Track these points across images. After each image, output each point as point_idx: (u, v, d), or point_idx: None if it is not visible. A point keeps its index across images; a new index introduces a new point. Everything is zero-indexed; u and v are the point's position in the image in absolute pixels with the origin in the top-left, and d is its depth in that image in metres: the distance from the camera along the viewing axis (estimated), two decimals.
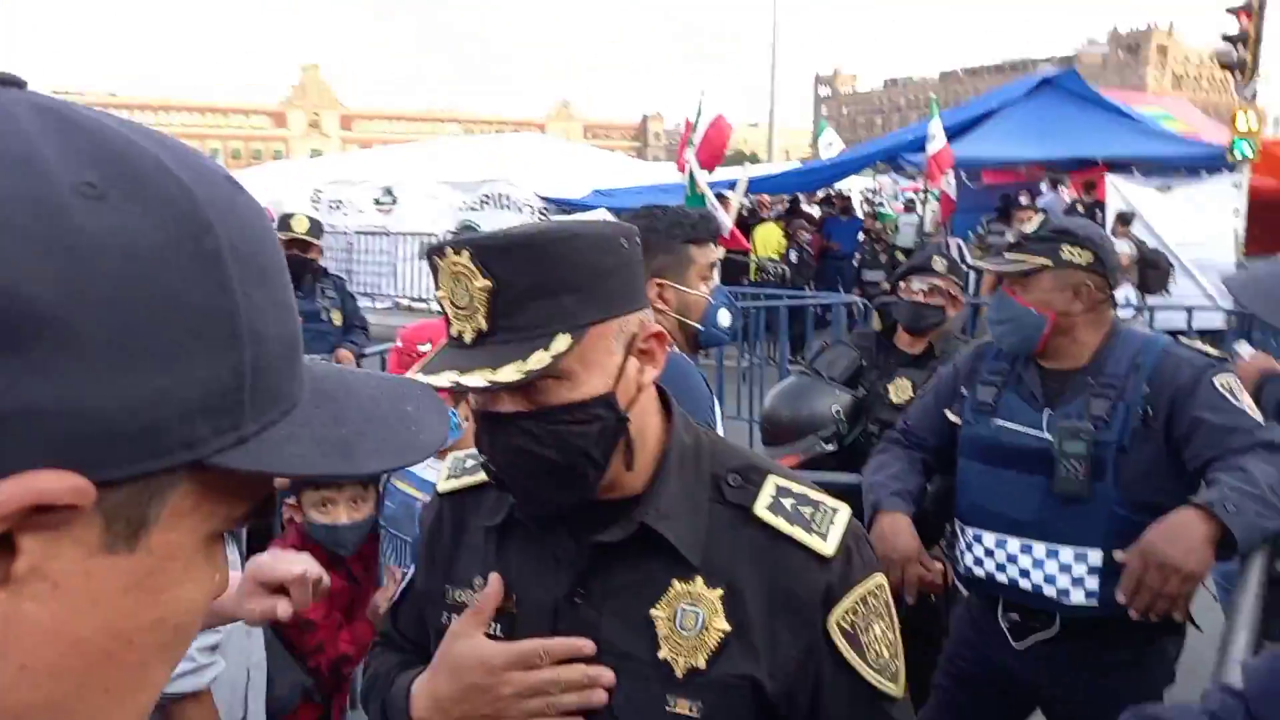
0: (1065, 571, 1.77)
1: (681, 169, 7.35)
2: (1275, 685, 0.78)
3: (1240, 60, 9.54)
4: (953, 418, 2.01)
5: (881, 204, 15.07)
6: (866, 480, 2.04)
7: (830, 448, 2.65)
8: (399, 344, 2.36)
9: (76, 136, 0.36)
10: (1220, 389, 1.72)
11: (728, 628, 0.89)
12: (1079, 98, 11.09)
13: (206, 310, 0.37)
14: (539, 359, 0.82)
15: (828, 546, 0.92)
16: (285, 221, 4.28)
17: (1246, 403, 1.74)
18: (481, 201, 11.64)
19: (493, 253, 0.83)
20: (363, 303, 5.77)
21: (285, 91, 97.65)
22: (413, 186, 12.34)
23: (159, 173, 0.37)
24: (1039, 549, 1.80)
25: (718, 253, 1.82)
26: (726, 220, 5.98)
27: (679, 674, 0.89)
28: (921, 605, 1.99)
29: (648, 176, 13.10)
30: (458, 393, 0.90)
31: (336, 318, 4.47)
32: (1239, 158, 8.81)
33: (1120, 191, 9.19)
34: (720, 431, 1.85)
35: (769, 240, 10.93)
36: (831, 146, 15.42)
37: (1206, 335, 6.60)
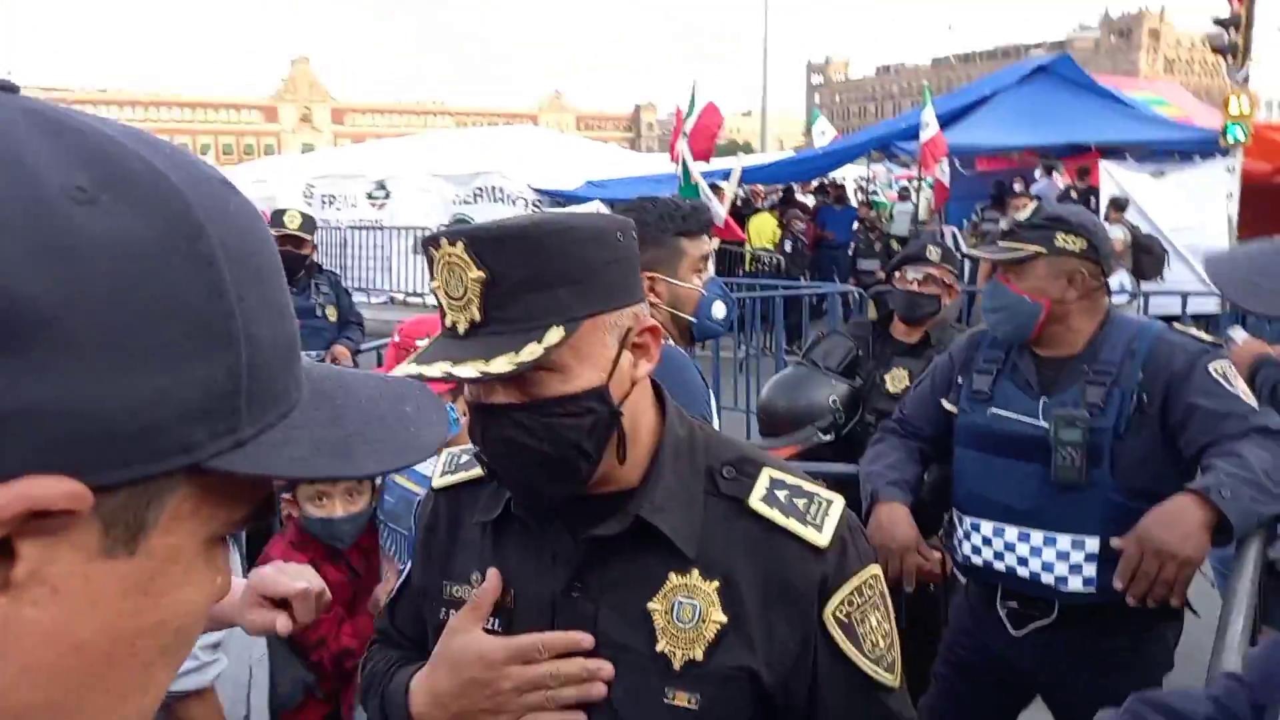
0: (1063, 559, 1.78)
1: (675, 159, 7.33)
2: (1275, 671, 0.78)
3: (1232, 44, 9.54)
4: (949, 406, 2.01)
5: (875, 192, 15.07)
6: (863, 470, 2.05)
7: (827, 438, 2.66)
8: (396, 339, 2.35)
9: (68, 140, 0.36)
10: (1214, 375, 1.73)
11: (724, 619, 0.90)
12: (1072, 84, 11.08)
13: (200, 313, 0.37)
14: (531, 351, 0.82)
15: (822, 538, 0.92)
16: (278, 218, 4.27)
17: (1241, 388, 1.75)
18: (475, 194, 11.60)
19: (487, 244, 0.83)
20: (357, 298, 5.75)
21: (276, 85, 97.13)
22: (405, 180, 12.29)
23: (151, 176, 0.37)
24: (1036, 537, 1.81)
25: (710, 245, 1.81)
26: (720, 210, 5.97)
27: (677, 666, 0.89)
28: (920, 595, 2.00)
29: (641, 167, 13.05)
30: (456, 387, 0.91)
31: (332, 314, 4.46)
32: (1232, 142, 8.81)
33: (1114, 177, 9.19)
34: (717, 424, 1.85)
35: (764, 230, 10.92)
36: (824, 135, 15.40)
37: (1201, 320, 6.61)
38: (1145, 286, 7.50)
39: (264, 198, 10.72)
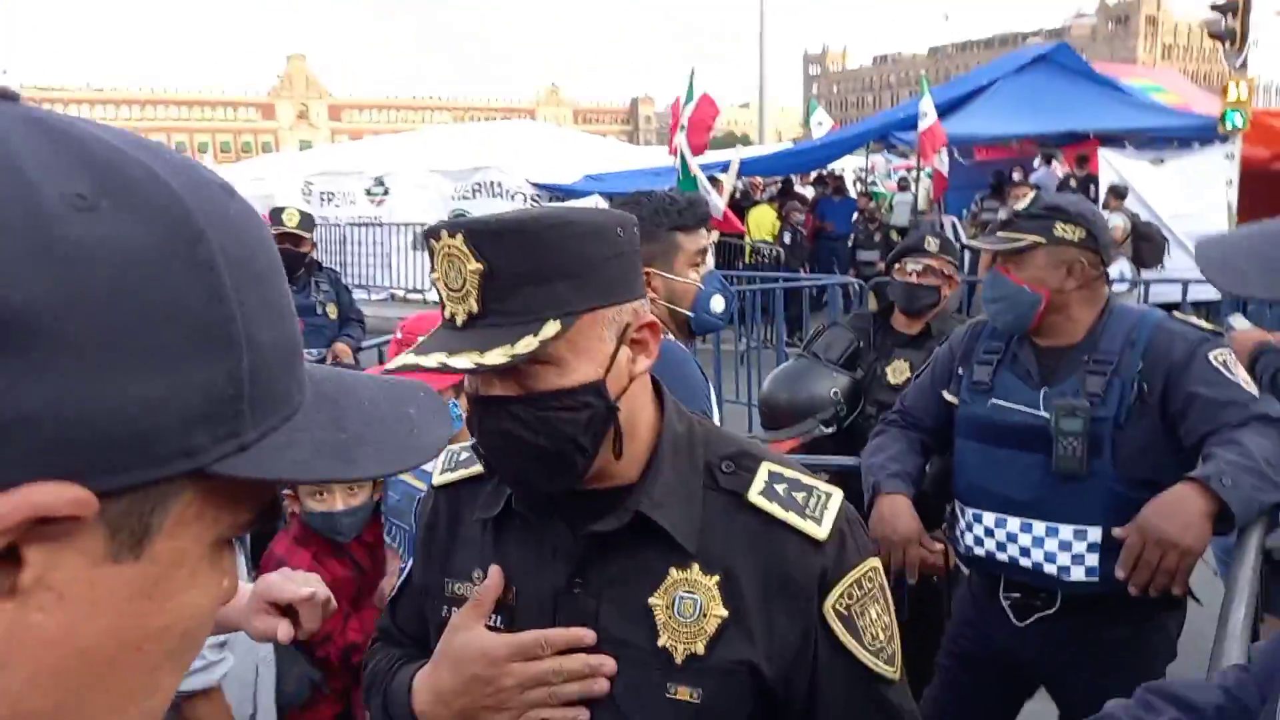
0: (1065, 549, 1.78)
1: (673, 152, 7.32)
2: (1278, 666, 0.79)
3: (1229, 29, 9.51)
4: (949, 398, 2.01)
5: (874, 183, 15.03)
6: (865, 462, 2.05)
7: (829, 430, 2.66)
8: (398, 335, 2.36)
9: (68, 148, 0.36)
10: (1214, 363, 1.73)
11: (725, 614, 0.90)
12: (1070, 72, 11.05)
13: (201, 318, 0.37)
14: (526, 344, 0.82)
15: (821, 531, 0.93)
16: (276, 216, 4.26)
17: (1241, 376, 1.75)
18: (473, 189, 11.58)
19: (486, 236, 0.84)
20: (357, 295, 5.75)
21: (273, 83, 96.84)
22: (404, 176, 12.27)
23: (150, 182, 0.37)
24: (1038, 527, 1.81)
25: (707, 239, 1.80)
26: (719, 203, 5.97)
27: (678, 661, 0.90)
28: (924, 587, 2.00)
29: (639, 160, 13.04)
30: (459, 383, 0.91)
31: (332, 311, 4.46)
32: (1230, 128, 8.79)
33: (1113, 165, 9.17)
34: (717, 418, 1.85)
35: (763, 222, 10.90)
36: (821, 126, 15.35)
37: (1201, 308, 6.60)
38: (1145, 274, 7.49)
39: (262, 195, 10.70)
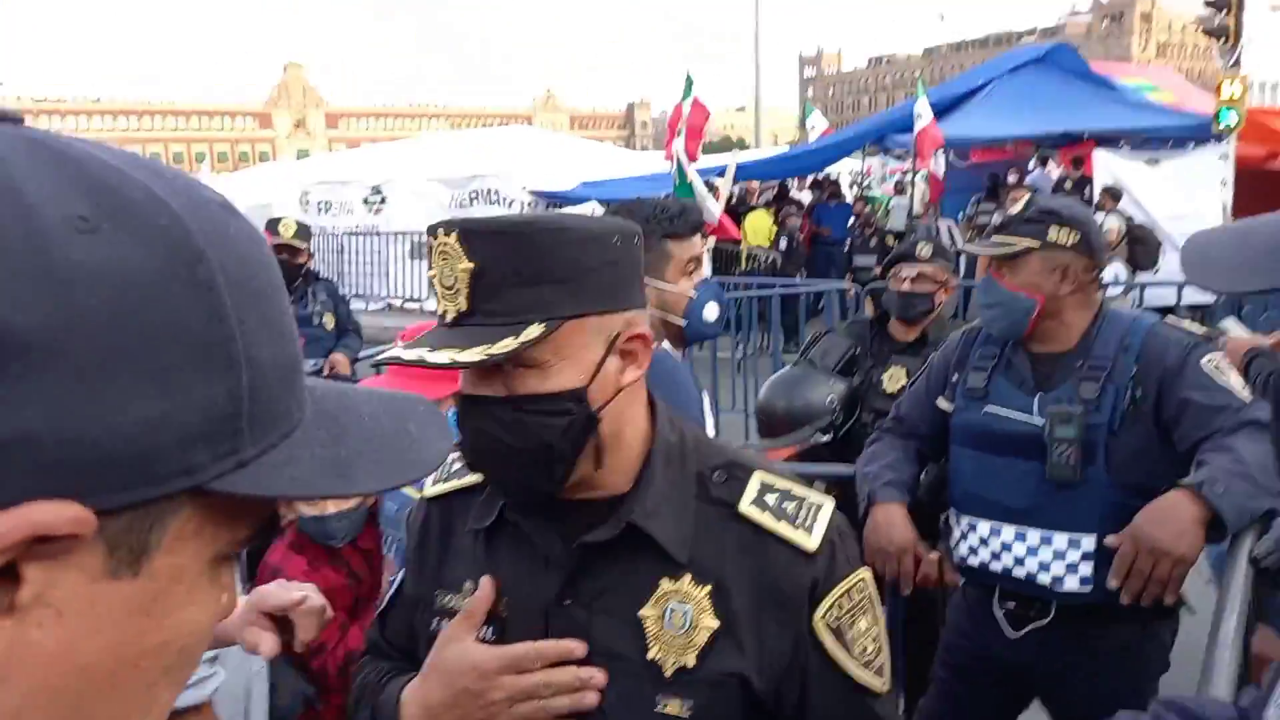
0: (1059, 558, 1.78)
1: (670, 158, 7.32)
2: None
3: (1223, 26, 9.53)
4: (944, 405, 2.01)
5: (869, 186, 15.03)
6: (860, 470, 2.05)
7: (825, 438, 2.66)
8: (399, 344, 2.36)
9: (69, 170, 0.36)
10: (1207, 369, 1.73)
11: (716, 625, 0.90)
12: (1065, 72, 11.07)
13: (201, 338, 0.37)
14: (506, 344, 0.83)
15: (812, 542, 0.93)
16: (272, 226, 4.26)
17: (1234, 381, 1.75)
18: (471, 197, 11.58)
19: (478, 236, 0.85)
20: (355, 305, 5.75)
21: (270, 92, 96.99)
22: (401, 185, 12.27)
23: (151, 203, 0.37)
24: (1033, 536, 1.81)
25: (701, 246, 1.80)
26: (716, 209, 5.96)
27: (668, 673, 0.90)
28: (919, 596, 2.00)
29: (636, 166, 13.04)
30: (459, 393, 0.92)
31: (329, 322, 4.46)
32: (1224, 126, 8.80)
33: (1108, 166, 9.18)
34: (711, 428, 1.85)
35: (759, 228, 10.90)
36: (815, 129, 15.37)
37: (1196, 311, 6.62)
38: (1140, 277, 7.49)
39: (259, 205, 10.70)
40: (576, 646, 0.91)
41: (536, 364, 0.86)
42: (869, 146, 13.05)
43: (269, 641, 1.08)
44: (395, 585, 1.14)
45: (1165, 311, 1.99)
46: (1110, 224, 7.36)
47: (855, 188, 14.63)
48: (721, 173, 7.26)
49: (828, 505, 0.97)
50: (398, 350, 0.87)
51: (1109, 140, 9.66)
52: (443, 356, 0.83)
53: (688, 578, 0.91)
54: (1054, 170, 10.84)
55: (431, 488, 1.08)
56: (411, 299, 11.30)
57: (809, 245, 10.97)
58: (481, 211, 11.12)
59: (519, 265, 0.84)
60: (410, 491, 2.02)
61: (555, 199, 10.82)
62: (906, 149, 10.34)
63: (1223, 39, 9.67)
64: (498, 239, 0.85)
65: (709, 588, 0.91)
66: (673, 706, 0.89)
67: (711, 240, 6.68)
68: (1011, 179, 10.42)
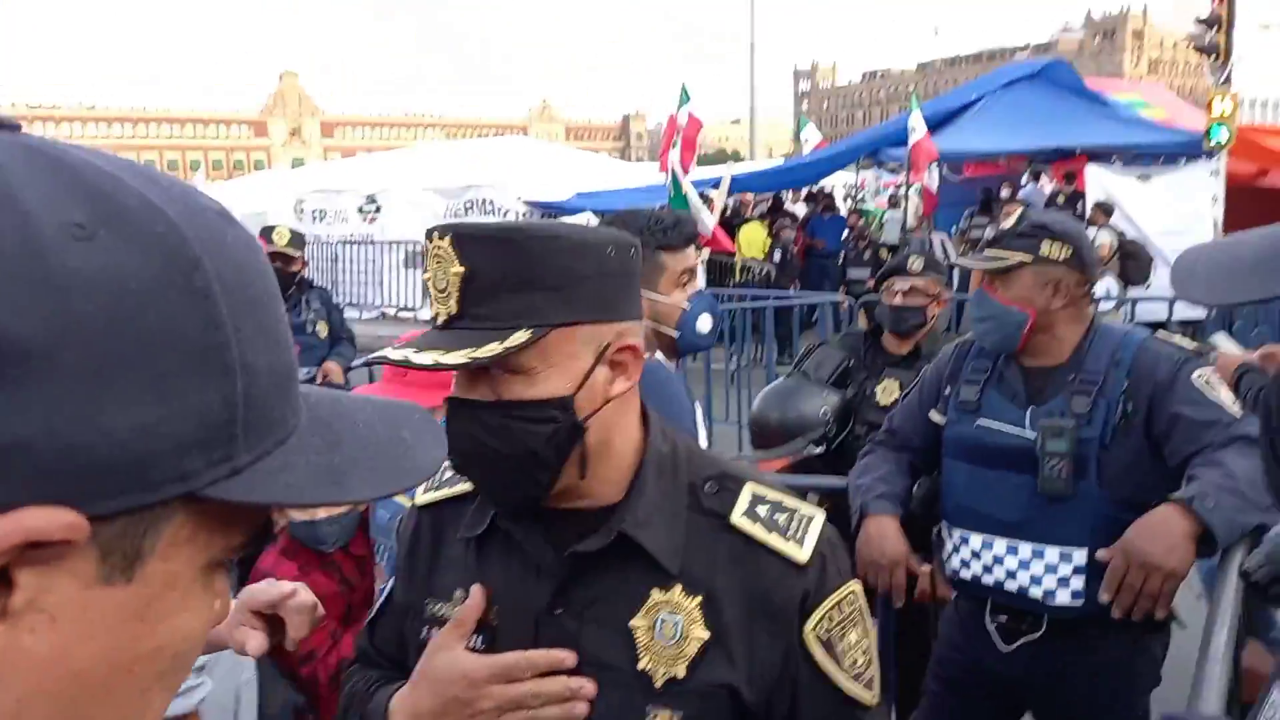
0: (1051, 572, 1.78)
1: (664, 169, 7.35)
2: None
3: (1214, 44, 9.62)
4: (937, 418, 2.01)
5: (864, 199, 15.10)
6: (852, 483, 2.05)
7: (819, 450, 2.66)
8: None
9: (66, 177, 0.36)
10: (1197, 383, 1.74)
11: (706, 636, 0.90)
12: (1059, 88, 11.14)
13: (197, 345, 0.37)
14: (491, 349, 0.83)
15: (803, 554, 0.93)
16: (266, 234, 4.27)
17: (1224, 396, 1.76)
18: (466, 207, 11.59)
19: (471, 241, 0.86)
20: (349, 313, 5.76)
21: (265, 100, 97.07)
22: (396, 194, 12.28)
23: (147, 211, 0.38)
24: (1025, 549, 1.81)
25: (695, 258, 1.80)
26: (710, 221, 5.98)
27: (658, 684, 0.90)
28: (911, 609, 2.00)
29: (631, 178, 13.08)
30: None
31: (323, 330, 4.46)
32: (1215, 143, 8.87)
33: (1100, 181, 9.24)
34: (704, 439, 1.85)
35: (754, 240, 10.94)
36: (808, 142, 15.47)
37: (1188, 326, 6.65)
38: (1132, 292, 7.54)
39: (254, 213, 10.70)
40: (567, 656, 0.90)
41: (524, 370, 0.86)
42: (863, 160, 13.11)
43: (256, 639, 1.07)
44: (385, 593, 1.13)
45: (1156, 326, 1.99)
46: (1102, 239, 7.41)
47: (849, 201, 14.69)
48: (716, 184, 7.29)
49: (819, 517, 0.97)
50: (386, 350, 0.88)
51: (1101, 156, 9.73)
52: (427, 358, 0.84)
53: (678, 588, 0.91)
54: (1046, 185, 10.91)
55: (423, 496, 1.08)
56: (405, 308, 11.29)
57: (803, 258, 11.00)
58: (476, 221, 11.10)
59: (510, 271, 0.85)
60: (402, 500, 2.02)
61: (550, 209, 10.84)
62: (900, 162, 10.40)
63: (1213, 56, 9.75)
64: (490, 244, 0.86)
65: (700, 598, 0.91)
66: (663, 717, 0.89)
67: (706, 252, 6.70)
68: (1004, 193, 10.48)
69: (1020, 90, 11.10)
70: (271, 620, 1.11)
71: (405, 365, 0.85)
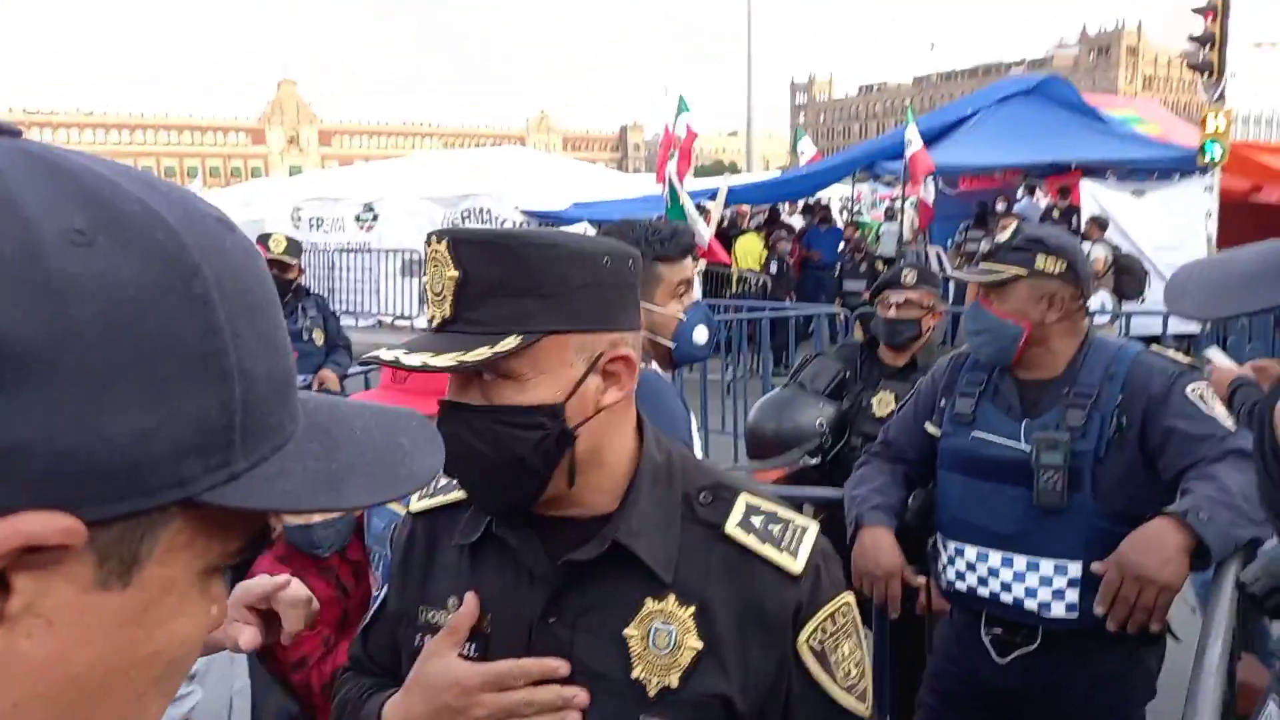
0: (1045, 584, 1.79)
1: (661, 181, 7.38)
2: None
3: (1207, 61, 9.70)
4: (932, 430, 2.02)
5: (860, 212, 15.17)
6: (848, 494, 2.05)
7: (814, 461, 2.67)
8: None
9: (66, 183, 0.37)
10: (1192, 397, 1.74)
11: (700, 646, 0.90)
12: (1054, 103, 11.21)
13: (195, 351, 0.38)
14: (479, 353, 0.84)
15: (797, 565, 0.93)
16: (263, 241, 4.27)
17: (1218, 410, 1.76)
18: (463, 216, 11.61)
19: (467, 245, 0.86)
20: (345, 321, 5.74)
21: (263, 108, 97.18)
22: (393, 203, 12.30)
23: (147, 217, 0.38)
24: (1020, 562, 1.81)
25: (691, 269, 1.81)
26: (706, 233, 6.00)
27: (652, 693, 0.90)
28: (906, 621, 2.00)
29: (628, 188, 13.11)
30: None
31: (319, 337, 4.46)
32: (1209, 159, 8.93)
33: (1095, 196, 9.29)
34: (698, 449, 1.85)
35: (750, 251, 10.95)
36: (804, 155, 15.56)
37: (1182, 340, 6.67)
38: (1126, 306, 7.56)
39: (251, 221, 10.71)
40: (560, 665, 0.90)
41: (514, 376, 0.87)
42: (859, 173, 13.17)
43: (249, 634, 1.05)
44: (379, 600, 1.13)
45: (1151, 340, 2.00)
46: (1097, 253, 7.43)
47: (845, 213, 14.75)
48: (713, 196, 7.32)
49: (813, 528, 0.97)
50: (379, 351, 0.88)
51: (1095, 171, 9.79)
52: (416, 359, 0.84)
53: (672, 598, 0.91)
54: (1041, 199, 10.96)
55: (418, 503, 1.08)
56: (402, 316, 11.29)
57: (799, 269, 11.03)
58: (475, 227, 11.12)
59: (504, 277, 0.86)
60: (398, 509, 2.01)
61: (547, 219, 10.86)
62: (896, 175, 10.45)
63: (1207, 74, 9.83)
64: (485, 249, 0.86)
65: (693, 608, 0.91)
66: None
67: (702, 263, 6.71)
68: (1000, 207, 10.53)
69: (1015, 105, 11.16)
70: (266, 617, 1.10)
71: (395, 365, 0.85)
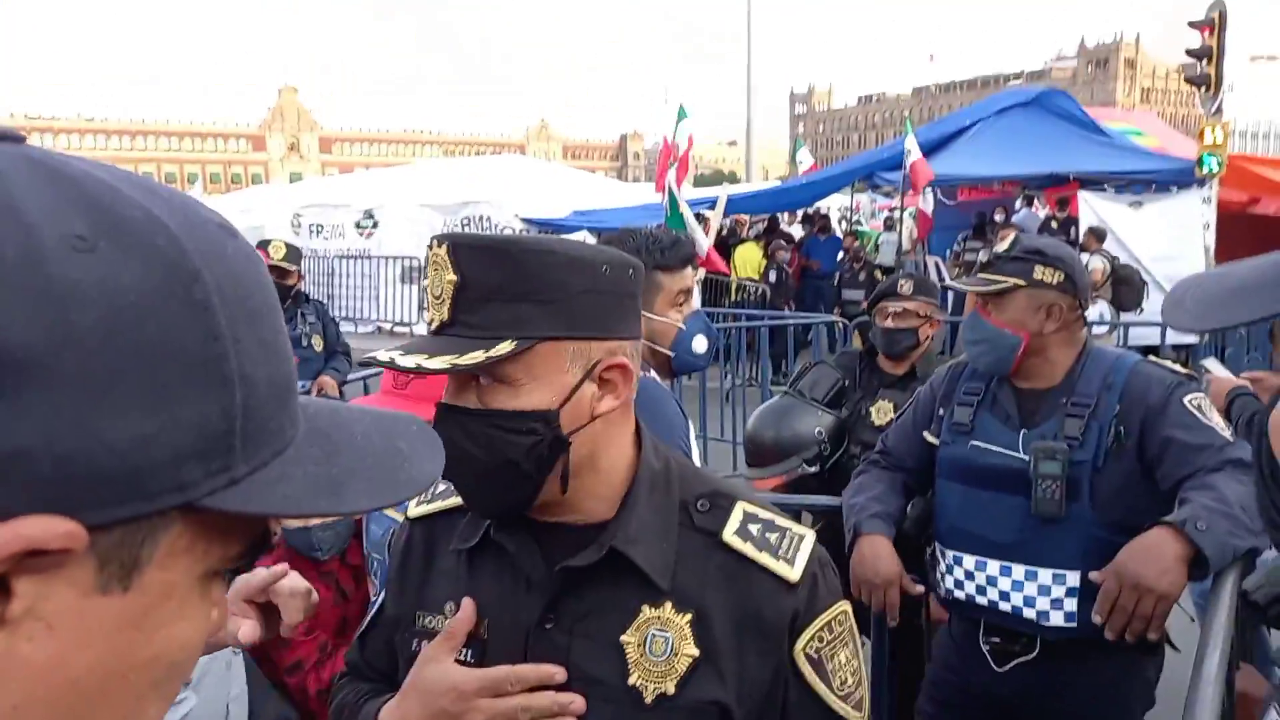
0: (1044, 594, 1.79)
1: (660, 189, 7.39)
2: None
3: (1204, 75, 9.73)
4: (930, 439, 2.02)
5: (859, 222, 15.21)
6: (846, 502, 2.05)
7: (813, 469, 2.67)
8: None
9: (67, 189, 0.37)
10: (1190, 407, 1.75)
11: (696, 653, 0.90)
12: (1053, 115, 11.25)
13: (196, 356, 0.38)
14: (473, 357, 0.84)
15: (794, 573, 0.93)
16: (262, 248, 4.28)
17: (1216, 420, 1.77)
18: (463, 224, 11.63)
19: (467, 250, 0.87)
20: (345, 327, 5.75)
21: (264, 115, 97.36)
22: (393, 210, 12.32)
23: (148, 223, 0.38)
24: (1018, 571, 1.82)
25: (691, 279, 1.81)
26: (705, 242, 6.01)
27: (648, 700, 0.90)
28: (904, 629, 2.00)
29: (628, 197, 13.14)
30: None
31: (318, 343, 4.46)
32: (1206, 172, 8.97)
33: (1093, 207, 9.32)
34: (697, 457, 1.85)
35: (749, 260, 10.97)
36: (802, 164, 15.61)
37: (1180, 350, 6.69)
38: (1125, 317, 7.58)
39: (252, 227, 10.72)
40: (556, 671, 0.90)
41: (509, 380, 0.87)
42: (858, 183, 13.20)
43: (248, 626, 1.04)
44: (376, 606, 1.13)
45: (1149, 351, 2.02)
46: (1095, 264, 7.46)
47: (844, 223, 14.78)
48: (713, 205, 7.33)
49: (810, 537, 0.98)
50: (379, 353, 0.89)
51: (1093, 183, 9.82)
52: (410, 361, 0.85)
53: (669, 605, 0.92)
54: (1040, 210, 10.99)
55: (416, 508, 1.08)
56: (401, 323, 11.30)
57: (798, 278, 11.04)
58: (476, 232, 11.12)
59: (502, 282, 0.86)
60: (395, 515, 2.01)
61: (547, 227, 10.88)
62: (895, 186, 10.48)
63: (1204, 87, 9.87)
64: (484, 255, 0.87)
65: (690, 615, 0.91)
66: None
67: (701, 271, 6.72)
68: (998, 218, 10.56)
69: (1014, 116, 11.20)
70: (265, 610, 1.09)
71: (390, 366, 0.86)
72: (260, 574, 1.09)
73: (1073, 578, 1.76)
